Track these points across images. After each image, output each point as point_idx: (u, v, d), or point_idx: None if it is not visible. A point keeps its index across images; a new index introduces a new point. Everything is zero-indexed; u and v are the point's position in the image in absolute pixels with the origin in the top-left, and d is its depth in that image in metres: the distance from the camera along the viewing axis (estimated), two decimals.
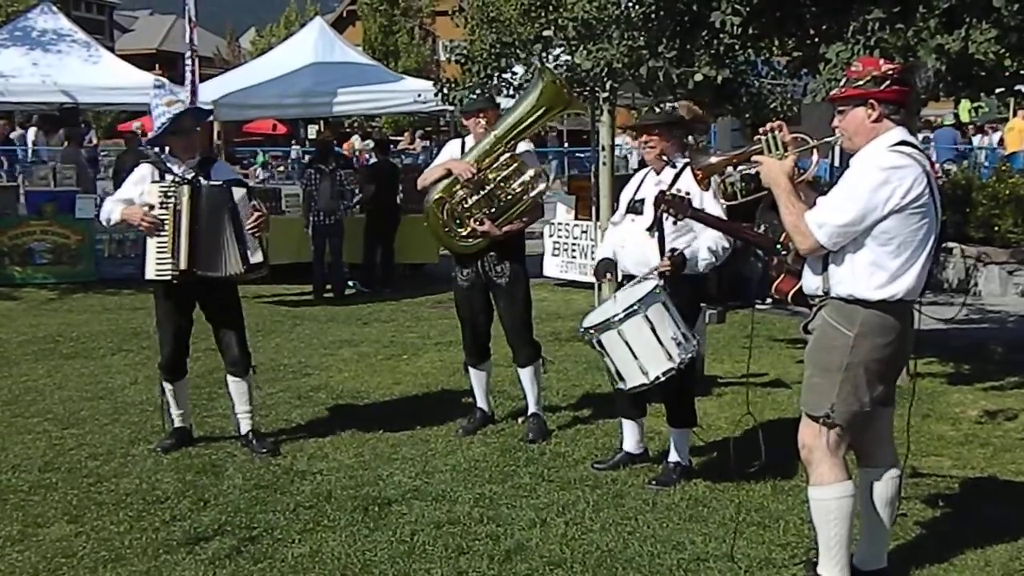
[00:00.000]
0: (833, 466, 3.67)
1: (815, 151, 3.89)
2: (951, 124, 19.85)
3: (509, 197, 5.67)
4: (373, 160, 13.15)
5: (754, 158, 3.86)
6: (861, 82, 3.59)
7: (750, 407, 4.45)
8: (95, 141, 23.66)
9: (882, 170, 3.49)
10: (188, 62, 11.16)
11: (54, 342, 8.66)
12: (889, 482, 3.84)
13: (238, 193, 5.41)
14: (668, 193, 4.64)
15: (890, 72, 3.59)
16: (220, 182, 5.44)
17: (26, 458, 5.51)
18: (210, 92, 11.90)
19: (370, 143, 21.20)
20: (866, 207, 3.48)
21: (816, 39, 6.13)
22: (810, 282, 3.73)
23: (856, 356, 3.59)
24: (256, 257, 5.43)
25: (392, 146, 22.88)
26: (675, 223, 4.79)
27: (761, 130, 3.84)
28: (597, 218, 10.19)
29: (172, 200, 5.33)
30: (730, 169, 4.10)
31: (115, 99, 13.16)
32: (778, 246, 3.98)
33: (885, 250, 3.53)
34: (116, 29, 55.95)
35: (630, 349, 4.55)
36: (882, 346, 3.60)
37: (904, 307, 3.63)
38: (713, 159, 4.20)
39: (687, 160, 4.88)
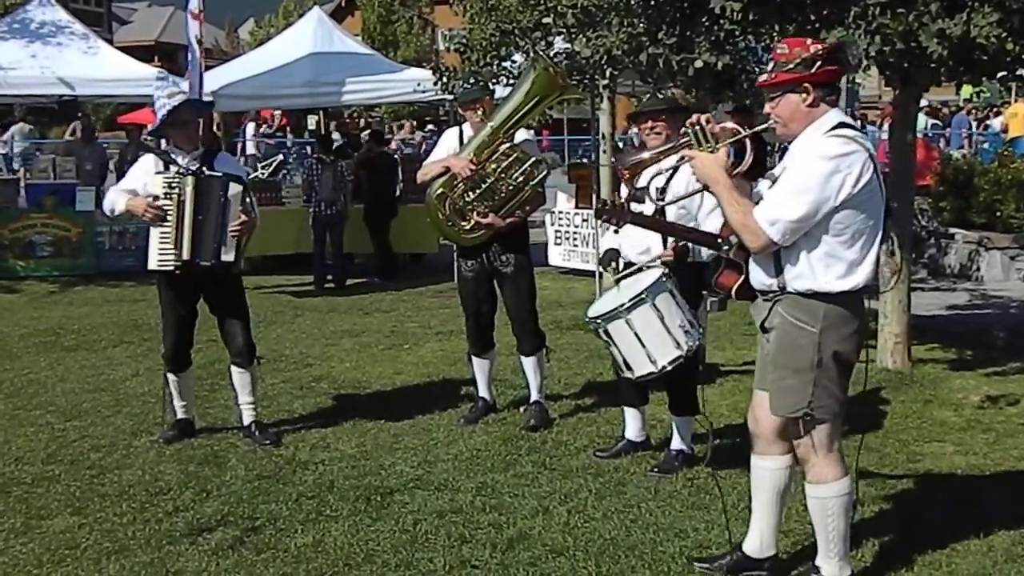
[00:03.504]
0: (831, 463, 3.60)
1: (749, 140, 3.78)
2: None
3: (511, 188, 5.63)
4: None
5: (684, 153, 3.74)
6: (791, 65, 3.44)
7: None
8: (95, 133, 23.58)
9: (830, 159, 3.37)
10: (191, 53, 11.10)
11: (56, 335, 8.66)
12: (787, 471, 3.79)
13: (233, 189, 5.39)
14: (607, 203, 4.60)
15: (820, 52, 3.44)
16: (220, 173, 5.43)
17: (29, 450, 5.52)
18: (209, 83, 11.84)
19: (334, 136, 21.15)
20: (818, 199, 3.36)
21: (817, 25, 6.09)
22: (765, 281, 3.60)
23: (825, 351, 3.49)
24: (227, 256, 5.38)
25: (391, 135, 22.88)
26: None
27: (687, 123, 3.69)
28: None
29: (176, 191, 5.33)
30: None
31: (114, 91, 13.13)
32: (719, 240, 3.89)
33: (839, 240, 3.43)
34: (114, 21, 55.73)
35: (638, 338, 4.54)
36: (847, 336, 3.53)
37: (860, 295, 3.56)
38: (641, 155, 4.11)
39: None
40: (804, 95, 3.46)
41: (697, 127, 3.65)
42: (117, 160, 15.66)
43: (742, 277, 3.70)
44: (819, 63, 3.43)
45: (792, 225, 3.39)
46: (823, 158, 3.38)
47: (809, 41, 3.54)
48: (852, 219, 3.42)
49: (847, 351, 3.55)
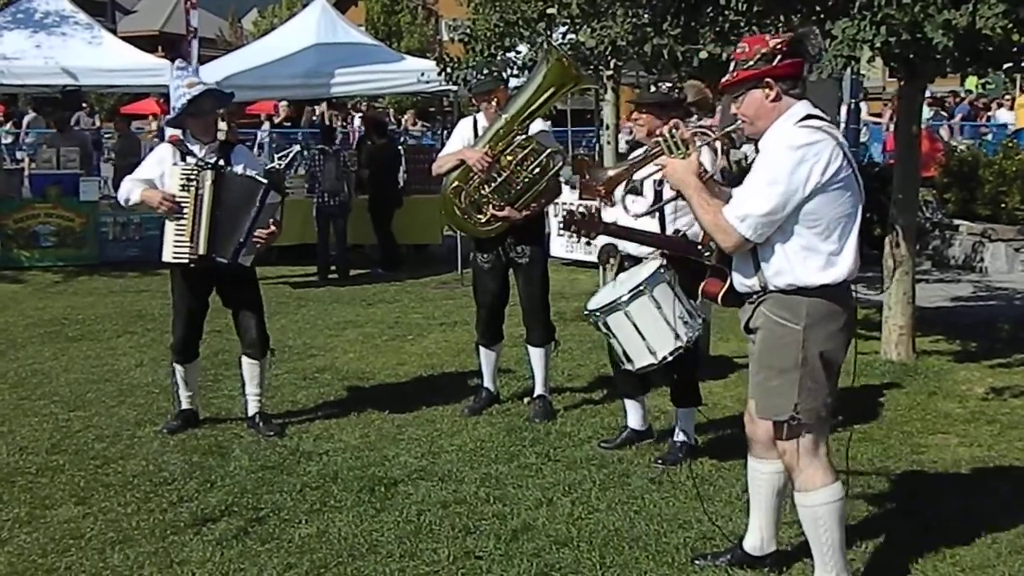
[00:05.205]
0: (818, 468, 3.47)
1: (719, 146, 3.78)
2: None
3: (527, 180, 5.58)
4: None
5: (656, 161, 3.72)
6: (751, 63, 3.38)
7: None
8: (98, 123, 23.58)
9: (796, 149, 3.28)
10: (190, 43, 11.11)
11: (60, 325, 8.68)
12: (785, 474, 3.66)
13: (273, 198, 5.38)
14: (575, 213, 4.56)
15: (779, 46, 3.37)
16: (264, 180, 5.40)
17: (33, 440, 5.53)
18: (212, 74, 11.84)
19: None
20: (786, 191, 3.27)
21: (822, 16, 6.07)
22: (745, 282, 3.53)
23: (810, 349, 3.39)
24: (245, 261, 5.41)
25: (396, 125, 22.80)
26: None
27: (657, 132, 3.69)
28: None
29: (194, 184, 5.30)
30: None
31: (117, 81, 13.13)
32: (700, 247, 3.86)
33: (814, 232, 3.35)
34: (118, 11, 55.67)
35: (637, 330, 4.54)
36: (834, 333, 3.43)
37: (846, 289, 3.45)
38: (611, 171, 4.05)
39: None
40: (767, 90, 3.40)
41: (667, 135, 3.64)
42: (116, 151, 15.66)
43: (727, 284, 3.64)
44: (779, 57, 3.38)
45: (762, 219, 3.32)
46: (789, 148, 3.32)
47: (768, 37, 3.51)
48: (825, 209, 3.33)
49: (832, 350, 3.44)
